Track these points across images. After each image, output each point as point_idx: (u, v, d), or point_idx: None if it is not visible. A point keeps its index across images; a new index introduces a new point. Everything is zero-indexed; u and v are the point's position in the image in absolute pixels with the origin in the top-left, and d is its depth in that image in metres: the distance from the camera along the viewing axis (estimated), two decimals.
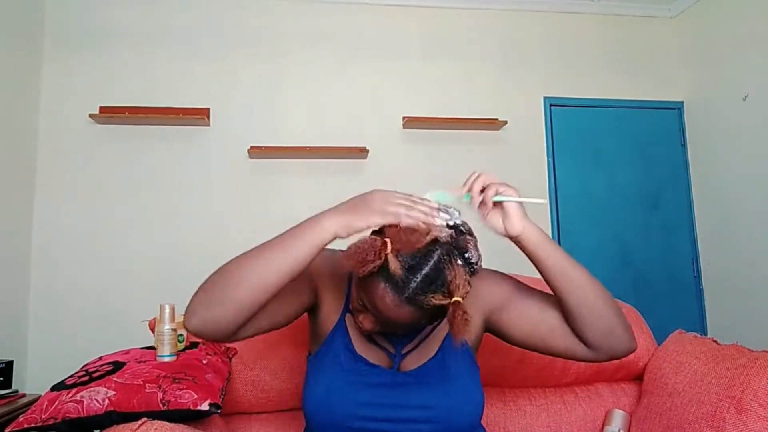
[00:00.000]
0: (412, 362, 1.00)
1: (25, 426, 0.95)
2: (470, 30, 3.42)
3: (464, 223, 0.89)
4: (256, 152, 3.01)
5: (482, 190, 0.89)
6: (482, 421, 1.04)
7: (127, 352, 1.24)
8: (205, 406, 1.02)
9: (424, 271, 0.81)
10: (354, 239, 0.85)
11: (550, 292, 0.98)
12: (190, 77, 3.09)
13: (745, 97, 3.06)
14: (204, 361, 1.18)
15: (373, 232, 0.88)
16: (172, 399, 1.02)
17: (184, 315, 0.83)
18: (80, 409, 0.97)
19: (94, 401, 0.98)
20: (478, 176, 0.89)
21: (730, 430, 1.10)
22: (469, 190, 0.89)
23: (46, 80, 2.97)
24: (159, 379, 1.05)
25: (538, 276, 0.96)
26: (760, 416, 1.08)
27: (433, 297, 0.81)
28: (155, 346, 1.20)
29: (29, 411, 0.98)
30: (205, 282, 0.85)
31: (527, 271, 1.13)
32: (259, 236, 0.90)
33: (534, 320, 0.99)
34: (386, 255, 0.80)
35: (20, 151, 2.80)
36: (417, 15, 3.37)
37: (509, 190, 0.88)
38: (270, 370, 1.34)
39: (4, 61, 2.63)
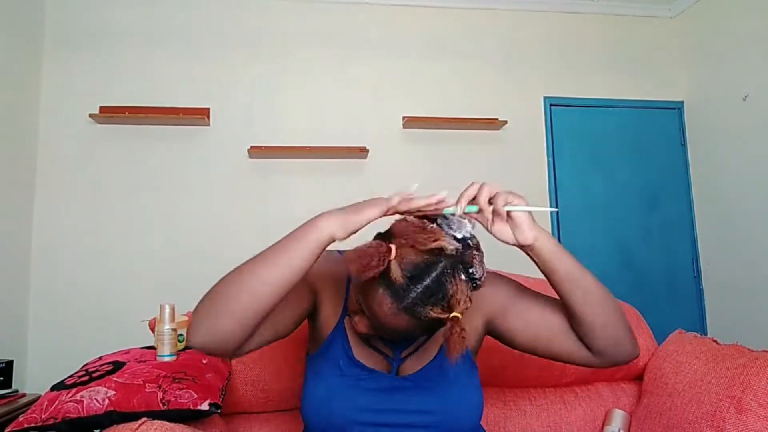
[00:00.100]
0: (410, 366, 0.99)
1: (25, 426, 0.95)
2: (470, 30, 3.42)
3: (473, 237, 0.86)
4: (256, 152, 3.01)
5: (489, 201, 0.85)
6: (482, 422, 1.04)
7: (127, 352, 1.24)
8: (205, 406, 1.02)
9: (425, 282, 0.79)
10: (355, 242, 0.84)
11: (552, 295, 0.97)
12: (190, 77, 3.09)
13: (745, 97, 3.06)
14: (204, 361, 1.18)
15: (379, 236, 0.87)
16: (172, 399, 1.01)
17: (188, 332, 0.82)
18: (80, 409, 0.97)
19: (94, 401, 0.98)
20: (480, 186, 0.85)
21: (730, 430, 1.10)
22: (472, 202, 0.85)
23: (46, 80, 2.97)
24: (159, 378, 1.05)
25: (541, 276, 0.95)
26: (760, 416, 1.08)
27: (431, 309, 0.79)
28: (155, 345, 1.20)
29: (29, 411, 0.98)
30: (206, 296, 0.83)
31: (531, 272, 1.12)
32: (259, 236, 0.90)
33: (536, 325, 0.97)
34: (389, 261, 0.79)
35: (20, 151, 2.80)
36: (417, 15, 3.37)
37: (517, 199, 0.85)
38: (270, 370, 1.34)
39: (4, 61, 2.63)
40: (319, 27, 3.26)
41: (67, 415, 0.96)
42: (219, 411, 1.06)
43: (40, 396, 1.06)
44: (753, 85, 3.02)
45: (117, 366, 1.11)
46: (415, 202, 0.83)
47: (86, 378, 1.06)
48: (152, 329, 1.28)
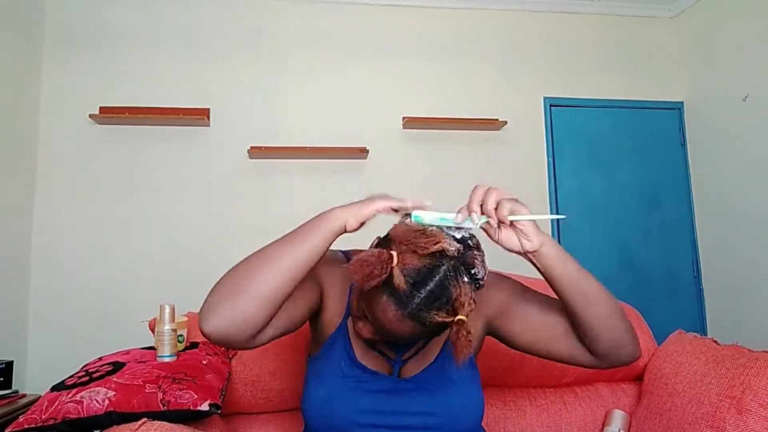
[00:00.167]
0: (412, 368, 0.99)
1: (25, 426, 0.95)
2: (470, 30, 3.42)
3: (472, 237, 0.86)
4: (256, 152, 3.01)
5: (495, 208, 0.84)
6: (482, 422, 1.04)
7: (127, 352, 1.24)
8: (205, 407, 1.02)
9: (428, 287, 0.79)
10: (360, 241, 0.84)
11: (552, 295, 0.96)
12: (190, 77, 3.09)
13: (745, 97, 3.06)
14: (204, 362, 1.18)
15: (380, 242, 0.88)
16: (172, 399, 1.02)
17: (200, 317, 0.79)
18: (80, 410, 0.97)
19: (94, 401, 0.98)
20: (487, 192, 0.83)
21: (730, 431, 1.10)
22: (483, 212, 0.83)
23: (46, 80, 2.97)
24: (159, 379, 1.05)
25: (541, 277, 0.94)
26: (760, 416, 1.08)
27: (436, 314, 0.79)
28: (155, 346, 1.20)
29: (29, 411, 0.98)
30: (223, 280, 0.82)
31: (531, 272, 1.12)
32: (259, 236, 0.90)
33: (537, 326, 0.97)
34: (391, 268, 0.79)
35: (20, 151, 2.80)
36: (417, 15, 3.37)
37: (522, 209, 0.83)
38: (270, 370, 1.34)
39: (4, 61, 2.63)
40: (319, 27, 3.26)
41: (67, 415, 0.96)
42: (219, 411, 1.06)
43: (40, 396, 1.06)
44: (753, 85, 3.02)
45: (117, 366, 1.11)
46: (421, 200, 0.85)
47: (86, 378, 1.06)
48: (152, 329, 1.28)
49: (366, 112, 3.25)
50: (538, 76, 3.45)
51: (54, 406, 0.97)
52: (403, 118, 3.20)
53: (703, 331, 3.34)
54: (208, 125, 3.07)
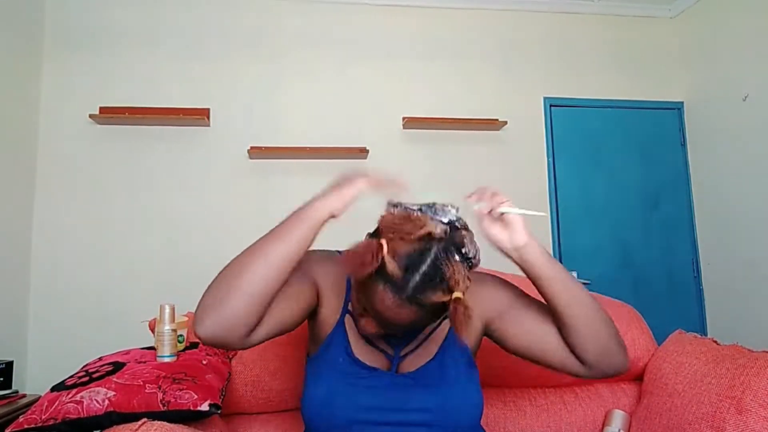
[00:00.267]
0: (410, 364, 1.00)
1: (25, 426, 0.95)
2: (470, 30, 3.42)
3: (459, 219, 0.88)
4: (256, 152, 3.01)
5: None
6: (482, 422, 1.04)
7: (127, 352, 1.24)
8: (205, 407, 1.02)
9: (422, 270, 0.81)
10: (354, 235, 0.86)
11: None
12: (190, 77, 3.09)
13: (745, 97, 3.06)
14: (204, 362, 1.18)
15: (368, 235, 0.89)
16: (172, 399, 1.02)
17: (194, 322, 0.81)
18: (80, 410, 0.97)
19: (94, 402, 0.98)
20: (482, 189, 0.91)
21: (730, 431, 1.10)
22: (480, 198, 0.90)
23: (46, 80, 2.97)
24: (159, 379, 1.05)
25: None
26: (760, 416, 1.08)
27: (433, 294, 0.81)
28: (155, 346, 1.20)
29: (29, 411, 0.98)
30: (212, 284, 0.84)
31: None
32: (260, 236, 0.91)
33: (532, 333, 0.98)
34: (383, 257, 0.80)
35: (20, 151, 2.80)
36: (417, 15, 3.37)
37: (508, 203, 0.90)
38: (270, 371, 1.35)
39: (4, 61, 2.63)
40: (319, 27, 3.26)
41: (67, 415, 0.96)
42: (219, 411, 1.06)
43: (40, 397, 1.06)
44: (753, 85, 3.02)
45: (117, 367, 1.11)
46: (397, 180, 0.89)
47: (86, 379, 1.06)
48: (152, 330, 1.28)
49: (366, 112, 3.25)
50: (538, 76, 3.44)
51: (54, 406, 0.97)
52: (403, 118, 3.20)
53: (703, 331, 3.34)
54: (208, 125, 3.07)
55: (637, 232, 3.43)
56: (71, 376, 1.10)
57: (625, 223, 3.42)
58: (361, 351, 0.99)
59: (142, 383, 1.03)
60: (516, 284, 1.07)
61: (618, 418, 1.40)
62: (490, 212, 0.90)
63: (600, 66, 3.52)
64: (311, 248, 0.89)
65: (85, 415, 0.96)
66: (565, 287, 0.91)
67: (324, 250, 1.03)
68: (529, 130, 3.39)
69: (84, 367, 1.16)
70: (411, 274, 0.80)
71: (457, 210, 0.89)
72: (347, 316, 1.01)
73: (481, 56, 3.41)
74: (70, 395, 1.00)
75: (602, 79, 3.50)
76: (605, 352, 0.92)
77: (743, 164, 3.09)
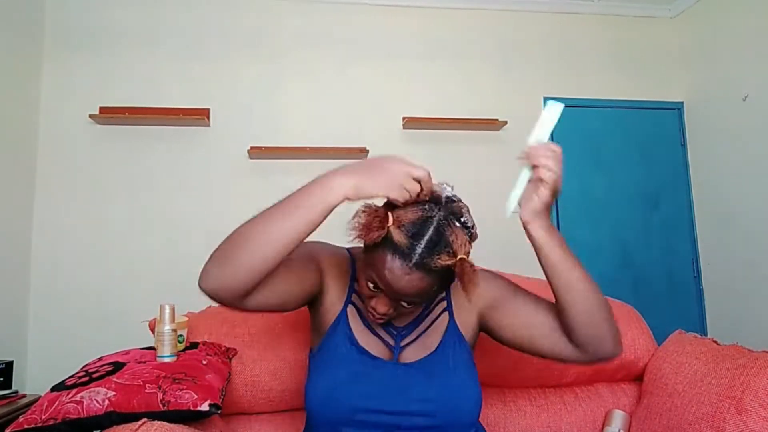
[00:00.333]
0: (411, 355, 1.01)
1: (25, 426, 0.95)
2: (470, 30, 3.42)
3: (454, 195, 0.93)
4: (256, 152, 3.01)
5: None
6: (483, 422, 1.05)
7: (127, 352, 1.24)
8: (205, 407, 1.02)
9: (426, 236, 0.85)
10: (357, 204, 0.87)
11: (543, 297, 1.00)
12: (190, 77, 3.09)
13: (745, 97, 3.06)
14: (204, 362, 1.18)
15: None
16: (172, 399, 1.02)
17: (199, 276, 0.86)
18: (80, 410, 0.97)
19: (94, 402, 0.98)
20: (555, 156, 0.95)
21: (730, 431, 1.10)
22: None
23: (46, 80, 2.97)
24: (159, 379, 1.05)
25: (539, 278, 0.97)
26: (760, 416, 1.08)
27: (439, 258, 0.84)
28: (155, 346, 1.20)
29: (29, 411, 0.98)
30: (219, 245, 0.87)
31: (531, 272, 1.13)
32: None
33: (524, 322, 1.01)
34: (389, 227, 0.84)
35: (20, 151, 2.80)
36: (417, 15, 3.37)
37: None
38: (270, 371, 1.34)
39: (4, 61, 2.63)
40: (319, 27, 3.26)
41: (67, 415, 0.96)
42: (219, 411, 1.06)
43: (40, 397, 1.06)
44: (753, 85, 3.02)
45: (117, 367, 1.11)
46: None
47: (86, 379, 1.06)
48: (152, 330, 1.28)
49: (366, 112, 3.25)
50: (538, 76, 3.44)
51: (54, 407, 0.97)
52: (403, 118, 3.20)
53: (703, 331, 3.34)
54: (208, 125, 3.07)
55: (637, 232, 3.43)
56: (71, 376, 1.09)
57: (625, 222, 3.42)
58: (364, 340, 1.01)
59: (142, 383, 1.03)
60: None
61: (618, 418, 1.40)
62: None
63: (600, 66, 3.52)
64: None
65: (85, 415, 0.96)
66: (570, 265, 0.92)
67: (334, 246, 1.07)
68: (529, 130, 3.37)
69: (84, 367, 1.16)
70: (417, 240, 0.85)
71: (452, 188, 0.93)
72: (350, 306, 1.03)
73: (481, 56, 3.40)
74: (70, 395, 1.00)
75: (602, 79, 3.50)
76: (598, 335, 0.93)
77: (743, 164, 3.09)
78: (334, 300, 1.04)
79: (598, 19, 3.55)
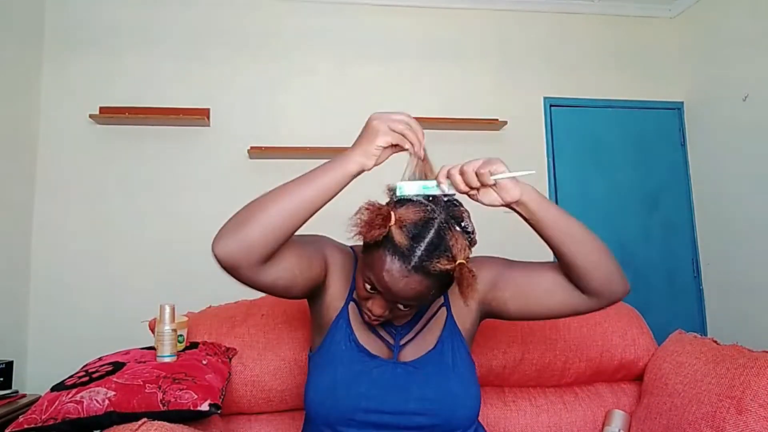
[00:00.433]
0: (411, 353, 1.01)
1: (25, 426, 0.95)
2: (470, 30, 3.42)
3: (455, 199, 0.93)
4: (256, 152, 3.01)
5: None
6: (483, 422, 1.05)
7: (127, 352, 1.24)
8: (205, 407, 1.02)
9: (427, 239, 0.85)
10: (360, 200, 0.89)
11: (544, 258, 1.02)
12: (190, 77, 3.09)
13: (745, 97, 3.06)
14: (204, 362, 1.18)
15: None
16: (172, 399, 1.02)
17: (213, 241, 0.86)
18: (80, 410, 0.97)
19: (94, 402, 0.98)
20: (461, 167, 0.91)
21: (730, 430, 1.10)
22: (468, 185, 0.89)
23: (46, 80, 2.97)
24: (159, 379, 1.05)
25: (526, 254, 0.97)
26: (760, 416, 1.08)
27: (438, 262, 0.84)
28: (155, 346, 1.20)
29: (29, 411, 0.98)
30: (238, 211, 0.89)
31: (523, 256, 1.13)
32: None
33: (525, 287, 1.01)
34: (390, 227, 0.84)
35: (20, 151, 2.80)
36: (417, 15, 3.37)
37: (499, 166, 0.89)
38: (270, 370, 1.35)
39: (4, 61, 2.63)
40: (319, 27, 3.26)
41: (67, 415, 0.96)
42: (219, 411, 1.06)
43: (40, 397, 1.06)
44: (753, 85, 3.02)
45: (117, 366, 1.11)
46: (414, 139, 0.92)
47: (86, 378, 1.06)
48: (152, 329, 1.28)
49: (366, 112, 3.22)
50: (538, 76, 3.44)
51: (54, 406, 0.97)
52: None
53: (703, 331, 3.34)
54: (208, 125, 3.07)
55: (637, 232, 3.43)
56: (71, 376, 1.10)
57: (625, 223, 3.42)
58: (364, 339, 1.01)
59: (142, 383, 1.03)
60: None
61: (618, 418, 1.40)
62: (482, 186, 0.89)
63: (600, 66, 3.52)
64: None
65: (85, 415, 0.96)
66: (567, 226, 0.92)
67: (340, 243, 1.08)
68: (529, 130, 3.39)
69: (84, 367, 1.16)
70: (417, 242, 0.85)
71: (449, 186, 0.92)
72: (351, 304, 1.03)
73: (481, 56, 3.40)
74: (70, 395, 1.00)
75: (602, 79, 3.50)
76: (609, 280, 0.95)
77: (743, 164, 3.09)
78: (336, 296, 1.04)
79: (598, 19, 3.55)
